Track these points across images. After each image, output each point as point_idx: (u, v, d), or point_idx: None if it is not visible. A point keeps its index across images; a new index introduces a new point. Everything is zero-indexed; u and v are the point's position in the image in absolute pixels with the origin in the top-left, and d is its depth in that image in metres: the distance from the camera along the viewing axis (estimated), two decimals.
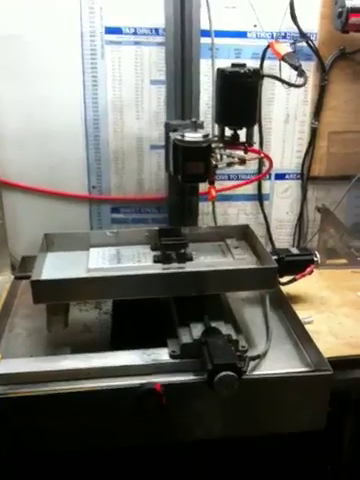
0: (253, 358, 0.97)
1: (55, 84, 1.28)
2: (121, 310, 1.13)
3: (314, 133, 1.44)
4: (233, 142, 1.07)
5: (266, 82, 1.26)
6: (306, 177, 1.48)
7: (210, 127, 1.33)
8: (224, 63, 1.07)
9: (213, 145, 1.05)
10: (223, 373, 0.86)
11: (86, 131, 1.34)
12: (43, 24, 1.23)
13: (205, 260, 1.11)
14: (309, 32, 1.33)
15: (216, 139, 1.08)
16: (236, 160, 1.06)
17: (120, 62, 1.29)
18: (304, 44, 1.34)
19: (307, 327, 1.07)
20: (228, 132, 1.08)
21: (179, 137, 1.03)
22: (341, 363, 0.99)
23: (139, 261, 1.09)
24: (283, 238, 1.55)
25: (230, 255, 1.13)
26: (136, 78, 1.31)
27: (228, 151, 1.07)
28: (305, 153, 1.46)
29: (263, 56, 1.32)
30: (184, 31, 1.23)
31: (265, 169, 1.44)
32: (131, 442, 0.96)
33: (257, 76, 1.03)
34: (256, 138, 1.26)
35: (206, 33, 1.28)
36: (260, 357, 0.98)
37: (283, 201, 1.52)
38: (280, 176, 1.49)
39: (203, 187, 1.12)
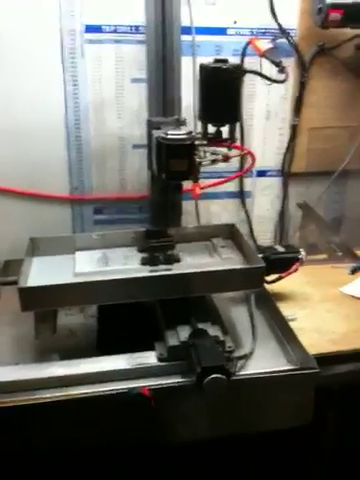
0: (240, 358, 0.98)
1: (34, 83, 1.25)
2: (106, 313, 1.12)
3: (294, 129, 1.45)
4: (216, 139, 1.07)
5: (247, 79, 1.23)
6: (287, 173, 1.49)
7: (192, 125, 1.32)
8: (205, 60, 1.06)
9: (196, 142, 1.04)
10: (212, 376, 0.86)
11: (67, 131, 1.32)
12: (22, 22, 1.20)
13: (193, 261, 1.10)
14: (288, 28, 1.33)
15: (199, 136, 1.07)
16: (220, 157, 1.05)
17: (100, 60, 1.27)
18: (284, 40, 1.33)
19: (291, 324, 1.09)
20: (211, 129, 1.07)
21: (162, 135, 1.02)
22: (325, 360, 1.01)
23: (126, 264, 1.08)
24: (265, 235, 1.56)
25: (217, 255, 1.13)
26: (116, 76, 1.29)
27: (212, 148, 1.06)
28: (286, 149, 1.47)
29: (243, 53, 1.31)
30: (165, 28, 1.22)
31: (247, 165, 1.44)
32: (122, 445, 0.97)
33: (240, 72, 1.03)
34: (237, 135, 1.26)
35: (187, 30, 1.27)
36: (247, 357, 0.99)
37: (264, 198, 1.52)
38: (261, 173, 1.49)
39: (185, 185, 1.12)
